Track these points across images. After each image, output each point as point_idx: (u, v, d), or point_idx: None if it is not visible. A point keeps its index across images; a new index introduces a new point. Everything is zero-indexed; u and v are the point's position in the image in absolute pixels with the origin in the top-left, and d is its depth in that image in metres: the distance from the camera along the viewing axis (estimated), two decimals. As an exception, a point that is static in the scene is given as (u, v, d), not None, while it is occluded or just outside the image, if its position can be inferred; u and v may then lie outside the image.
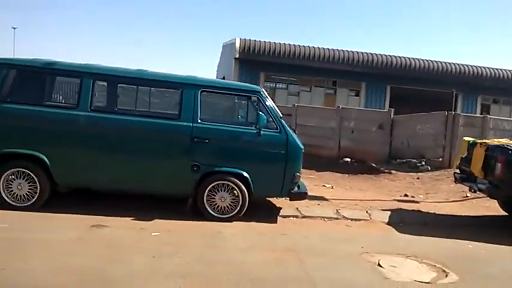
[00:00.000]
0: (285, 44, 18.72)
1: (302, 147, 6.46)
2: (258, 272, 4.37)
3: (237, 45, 18.40)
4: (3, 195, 5.84)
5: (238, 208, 6.23)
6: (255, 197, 6.36)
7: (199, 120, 6.16)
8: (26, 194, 5.90)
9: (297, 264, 4.70)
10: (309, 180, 10.12)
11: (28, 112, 5.90)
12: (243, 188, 6.22)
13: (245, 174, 6.21)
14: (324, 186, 9.76)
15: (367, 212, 7.29)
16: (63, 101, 6.61)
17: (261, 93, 6.49)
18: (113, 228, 5.47)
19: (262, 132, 6.19)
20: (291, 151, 6.32)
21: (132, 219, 5.86)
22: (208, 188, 6.18)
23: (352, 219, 6.87)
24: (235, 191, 6.20)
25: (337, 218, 6.92)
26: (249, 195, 6.27)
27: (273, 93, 19.59)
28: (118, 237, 5.22)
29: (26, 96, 6.07)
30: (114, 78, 6.47)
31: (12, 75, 5.98)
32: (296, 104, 14.26)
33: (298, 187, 6.59)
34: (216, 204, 6.21)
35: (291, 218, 6.79)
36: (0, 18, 71.28)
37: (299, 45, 18.69)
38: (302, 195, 6.55)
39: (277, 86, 20.01)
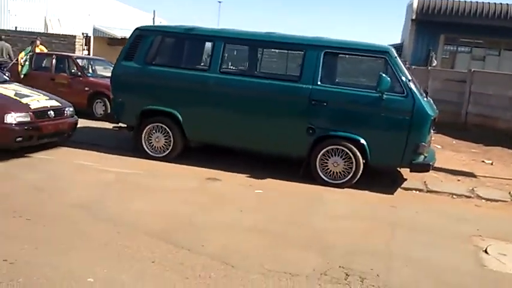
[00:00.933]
0: (470, 1, 16.45)
1: (431, 114, 5.79)
2: (334, 240, 4.19)
3: (415, 5, 16.92)
4: (144, 146, 6.74)
5: (350, 175, 5.98)
6: (371, 164, 5.98)
7: (318, 83, 6.02)
8: (162, 146, 6.68)
9: (385, 238, 4.34)
10: (470, 154, 9.01)
11: (168, 74, 6.59)
12: (358, 154, 5.91)
13: (362, 140, 5.88)
14: (483, 162, 8.51)
15: (510, 193, 6.16)
16: (197, 64, 7.15)
17: (389, 53, 5.95)
18: (224, 182, 5.87)
19: (385, 96, 5.72)
20: (417, 118, 5.72)
21: (246, 177, 6.15)
22: (322, 152, 6.05)
23: (486, 199, 5.94)
24: (349, 157, 5.93)
25: (468, 197, 6.06)
26: (365, 163, 5.93)
27: (453, 57, 17.58)
28: (223, 191, 5.59)
29: (167, 59, 6.79)
30: (243, 42, 6.74)
31: (157, 41, 6.74)
32: (472, 69, 12.53)
33: (425, 158, 5.95)
34: (328, 169, 6.06)
35: (413, 191, 6.21)
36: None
37: (488, 3, 16.19)
38: (425, 167, 5.91)
39: (459, 49, 17.81)
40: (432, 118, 5.82)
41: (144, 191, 5.28)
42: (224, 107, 6.43)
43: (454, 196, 6.07)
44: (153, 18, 24.92)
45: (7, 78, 7.47)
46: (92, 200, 4.82)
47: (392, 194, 5.98)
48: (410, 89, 5.75)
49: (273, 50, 7.16)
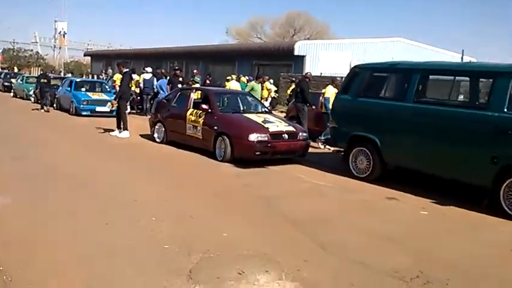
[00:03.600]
0: None
1: None
2: (454, 260, 4.31)
3: None
4: (351, 166, 7.78)
5: (539, 211, 5.41)
6: None
7: (505, 110, 5.80)
8: (365, 167, 7.58)
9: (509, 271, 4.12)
10: None
11: (370, 104, 7.55)
12: (548, 188, 5.33)
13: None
14: None
15: None
16: (392, 94, 7.70)
17: None
18: (398, 201, 6.36)
19: None
20: None
21: (429, 201, 6.36)
22: (506, 183, 5.72)
23: None
24: (537, 191, 5.42)
25: None
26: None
27: None
28: (390, 206, 6.15)
29: (370, 91, 7.71)
30: (432, 72, 7.05)
31: (363, 76, 7.81)
32: None
33: None
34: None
35: None
36: None
37: None
38: None
39: None
40: None
41: (318, 197, 6.44)
42: (417, 134, 6.82)
43: None
44: (461, 57, 24.76)
45: (267, 109, 9.97)
46: (276, 196, 6.34)
47: None
48: None
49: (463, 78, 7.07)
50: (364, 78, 7.82)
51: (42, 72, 21.19)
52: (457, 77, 6.88)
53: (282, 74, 23.75)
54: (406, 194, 6.69)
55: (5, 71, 36.37)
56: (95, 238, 4.42)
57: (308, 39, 48.58)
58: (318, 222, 5.31)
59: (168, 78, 15.96)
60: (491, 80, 6.17)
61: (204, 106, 9.12)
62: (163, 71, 16.31)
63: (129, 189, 6.39)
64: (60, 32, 41.57)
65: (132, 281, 3.60)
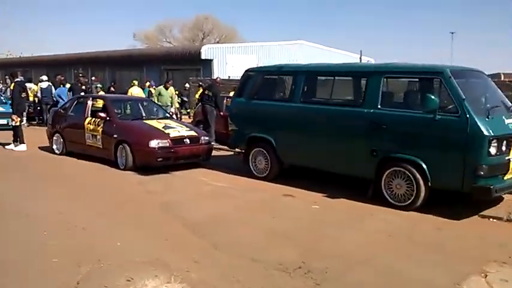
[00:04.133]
0: None
1: (487, 134, 5.45)
2: (339, 249, 4.70)
3: None
4: (252, 167, 8.04)
5: (412, 198, 6.02)
6: (433, 187, 5.91)
7: (379, 106, 6.37)
8: (263, 167, 7.88)
9: (388, 256, 4.57)
10: None
11: (263, 106, 7.85)
12: (418, 176, 5.94)
13: (419, 161, 5.93)
14: None
15: None
16: (282, 96, 8.15)
17: (444, 74, 5.89)
18: (294, 198, 6.71)
19: (438, 116, 5.72)
20: (471, 138, 5.50)
21: (322, 195, 6.78)
22: (386, 174, 6.28)
23: None
24: (410, 179, 6.03)
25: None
26: (428, 186, 5.92)
27: None
28: (285, 203, 6.48)
29: (262, 93, 8.03)
30: (315, 73, 7.61)
31: (255, 79, 8.13)
32: None
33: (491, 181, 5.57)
34: (393, 191, 6.24)
35: (491, 219, 5.77)
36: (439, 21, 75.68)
37: None
38: (486, 192, 5.50)
39: None
40: (490, 138, 5.44)
41: (219, 199, 6.62)
42: (303, 132, 7.24)
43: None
44: (360, 58, 26.38)
45: (168, 115, 10.00)
46: (177, 201, 6.42)
47: (458, 219, 5.73)
48: (464, 108, 5.56)
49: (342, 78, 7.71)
50: (256, 81, 8.13)
51: None
52: (337, 77, 7.39)
53: (190, 78, 23.74)
54: (301, 190, 7.07)
55: None
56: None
57: (218, 42, 48.94)
58: (215, 223, 5.47)
59: (69, 86, 15.30)
60: (365, 78, 6.75)
61: (101, 114, 8.92)
62: (61, 78, 15.56)
63: (21, 203, 6.12)
64: None
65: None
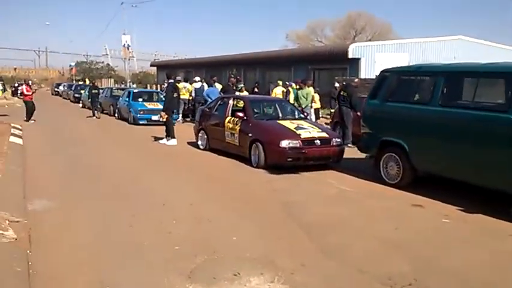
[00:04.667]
0: None
1: None
2: (459, 269, 4.27)
3: None
4: (382, 173, 7.72)
5: None
6: None
7: (526, 111, 5.57)
8: (395, 173, 7.49)
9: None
10: None
11: (398, 108, 7.45)
12: None
13: None
14: None
15: None
16: (418, 98, 7.51)
17: None
18: (423, 209, 6.26)
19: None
20: None
21: (451, 206, 6.24)
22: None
23: None
24: None
25: None
26: None
27: None
28: (411, 214, 6.10)
29: (398, 95, 7.60)
30: (456, 74, 6.89)
31: (391, 80, 7.74)
32: None
33: None
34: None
35: None
36: None
37: None
38: None
39: None
40: None
41: (342, 203, 6.51)
42: (444, 139, 6.67)
43: None
44: None
45: (302, 116, 10.12)
46: (300, 201, 6.51)
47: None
48: None
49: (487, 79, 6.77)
50: (392, 82, 7.76)
51: (92, 83, 23.19)
52: (482, 79, 6.60)
53: (336, 78, 23.61)
54: (434, 201, 6.56)
55: (77, 83, 39.13)
56: (117, 239, 4.86)
57: (370, 40, 47.70)
58: (330, 227, 5.41)
59: (221, 86, 16.50)
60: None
61: (239, 114, 9.45)
62: (214, 78, 16.85)
63: (160, 194, 6.84)
64: (124, 44, 44.16)
65: (136, 278, 3.96)
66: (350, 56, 24.69)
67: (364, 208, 6.33)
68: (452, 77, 6.94)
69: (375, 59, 25.24)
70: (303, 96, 13.51)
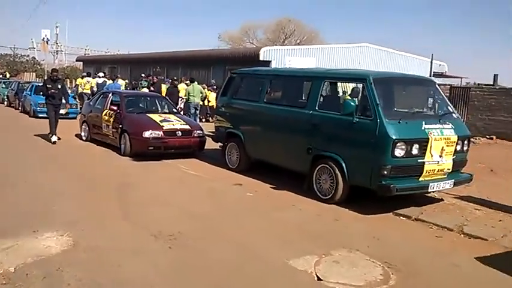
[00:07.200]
0: None
1: (393, 136, 5.80)
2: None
3: None
4: (226, 160, 8.91)
5: (333, 192, 6.51)
6: (350, 183, 6.36)
7: (316, 108, 6.92)
8: (235, 160, 8.70)
9: (255, 236, 5.23)
10: None
11: (238, 104, 8.68)
12: (338, 173, 6.43)
13: (339, 159, 6.41)
14: None
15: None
16: (251, 96, 8.80)
17: (367, 80, 6.30)
18: (242, 186, 7.47)
19: (356, 119, 6.17)
20: (378, 140, 5.90)
21: (266, 184, 7.52)
22: (317, 169, 6.82)
23: (466, 234, 5.45)
24: (332, 175, 6.52)
25: (450, 230, 5.56)
26: (346, 182, 6.38)
27: None
28: (227, 190, 7.28)
29: (239, 93, 8.83)
30: (276, 77, 8.36)
31: (236, 80, 8.98)
32: None
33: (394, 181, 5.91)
34: (321, 185, 6.76)
35: (401, 217, 6.09)
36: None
37: None
38: (387, 190, 5.85)
39: None
40: (395, 141, 5.77)
41: (175, 183, 7.59)
42: (262, 130, 8.02)
43: (435, 227, 5.70)
44: (431, 62, 25.64)
45: (175, 111, 11.18)
46: (135, 183, 7.49)
47: (367, 214, 6.14)
48: (377, 113, 5.96)
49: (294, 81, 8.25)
50: (236, 82, 8.98)
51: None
52: (290, 81, 8.09)
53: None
54: (255, 180, 7.82)
55: (-1, 76, 37.92)
56: None
57: (298, 44, 49.81)
58: (146, 201, 6.41)
59: (123, 82, 17.20)
60: (310, 82, 7.33)
61: (113, 107, 10.32)
62: (118, 75, 17.49)
63: (29, 176, 7.58)
64: (43, 38, 42.71)
65: None
66: (261, 58, 26.05)
67: (192, 187, 7.43)
68: (274, 80, 8.31)
69: (284, 62, 26.83)
70: (190, 94, 14.61)
